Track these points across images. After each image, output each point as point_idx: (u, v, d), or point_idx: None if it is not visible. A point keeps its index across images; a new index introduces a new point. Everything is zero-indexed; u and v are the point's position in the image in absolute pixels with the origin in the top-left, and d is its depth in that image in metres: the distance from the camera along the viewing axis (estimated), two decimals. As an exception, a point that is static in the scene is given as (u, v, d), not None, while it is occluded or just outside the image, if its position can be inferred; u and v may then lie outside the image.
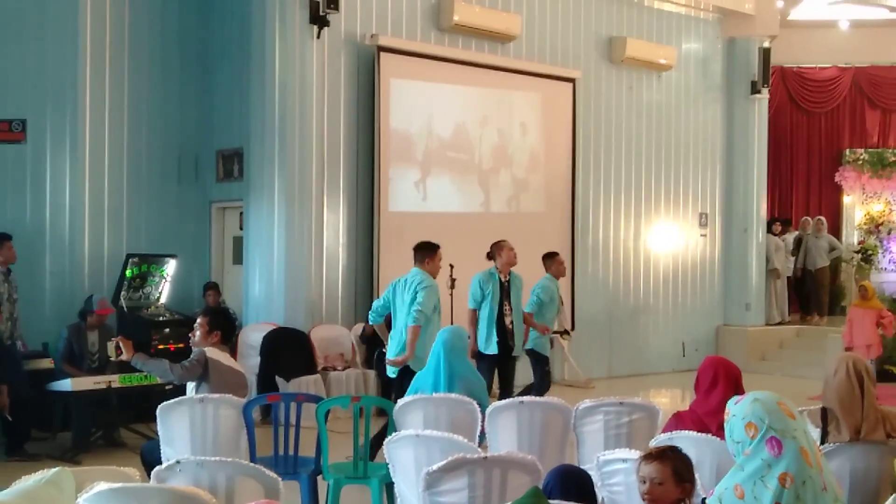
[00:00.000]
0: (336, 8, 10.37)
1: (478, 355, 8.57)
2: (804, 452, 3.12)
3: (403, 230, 11.24)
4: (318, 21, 10.37)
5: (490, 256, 8.92)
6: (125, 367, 7.34)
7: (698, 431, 4.49)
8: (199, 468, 3.80)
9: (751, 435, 3.16)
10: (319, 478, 5.76)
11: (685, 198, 14.67)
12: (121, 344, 5.88)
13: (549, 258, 9.65)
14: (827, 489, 3.15)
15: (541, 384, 9.12)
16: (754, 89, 14.88)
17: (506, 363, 8.80)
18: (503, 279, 8.82)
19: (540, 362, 9.25)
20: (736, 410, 3.24)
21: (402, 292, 7.73)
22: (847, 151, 17.42)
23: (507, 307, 8.74)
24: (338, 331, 10.67)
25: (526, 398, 5.73)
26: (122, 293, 9.86)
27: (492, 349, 8.64)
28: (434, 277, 7.84)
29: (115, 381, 8.05)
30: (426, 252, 7.87)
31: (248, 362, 9.58)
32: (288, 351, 9.91)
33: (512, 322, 8.76)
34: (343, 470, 5.68)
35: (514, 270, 8.93)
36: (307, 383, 9.71)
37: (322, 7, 10.29)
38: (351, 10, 10.90)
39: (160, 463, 4.26)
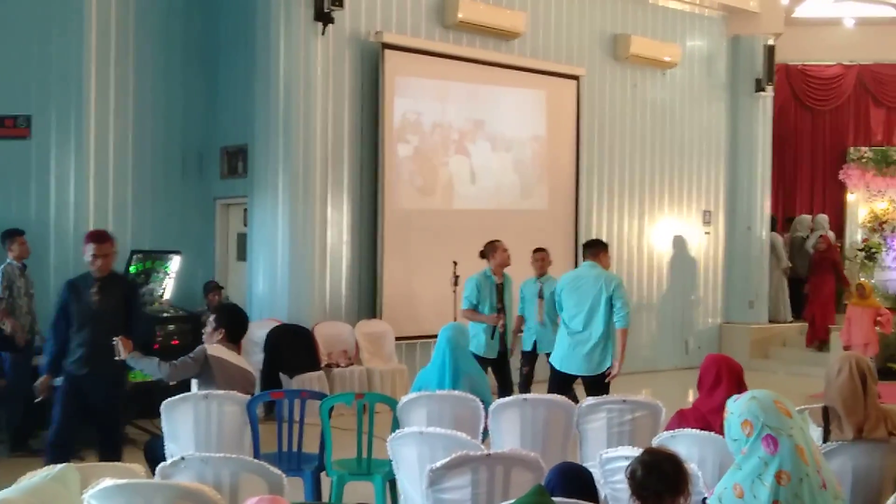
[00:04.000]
0: (341, 5, 10.38)
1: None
2: (800, 450, 3.14)
3: (407, 227, 11.27)
4: (323, 18, 10.38)
5: (483, 255, 8.90)
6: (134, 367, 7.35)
7: (701, 429, 4.50)
8: (203, 464, 3.82)
9: (747, 433, 3.18)
10: (323, 474, 5.79)
11: (689, 195, 14.66)
12: (120, 343, 5.90)
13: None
14: (826, 487, 3.17)
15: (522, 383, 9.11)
16: (759, 87, 14.87)
17: (501, 365, 8.81)
18: (497, 281, 8.82)
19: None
20: (733, 408, 3.26)
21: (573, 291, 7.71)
22: (851, 149, 17.38)
23: (501, 310, 8.75)
24: (341, 327, 10.68)
25: (529, 395, 5.75)
26: (127, 289, 9.86)
27: (489, 352, 8.65)
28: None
29: (120, 377, 8.04)
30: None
31: (252, 359, 9.58)
32: (292, 348, 9.94)
33: (504, 325, 8.76)
34: (347, 466, 5.71)
35: (506, 271, 8.96)
36: (311, 380, 9.73)
37: (327, 4, 10.29)
38: (355, 7, 10.90)
39: (164, 459, 4.29)
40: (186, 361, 5.72)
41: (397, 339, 10.92)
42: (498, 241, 9.00)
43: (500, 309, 8.78)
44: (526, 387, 9.07)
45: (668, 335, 14.34)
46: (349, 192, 10.89)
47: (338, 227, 10.79)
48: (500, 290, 8.83)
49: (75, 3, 10.27)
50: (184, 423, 5.34)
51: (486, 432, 5.54)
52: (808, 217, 16.26)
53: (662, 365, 13.90)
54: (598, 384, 7.57)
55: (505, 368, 8.85)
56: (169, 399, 5.41)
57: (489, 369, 8.57)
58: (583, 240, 12.95)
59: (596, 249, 8.02)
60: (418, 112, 11.45)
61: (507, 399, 5.58)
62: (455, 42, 11.84)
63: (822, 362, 12.04)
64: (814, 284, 14.41)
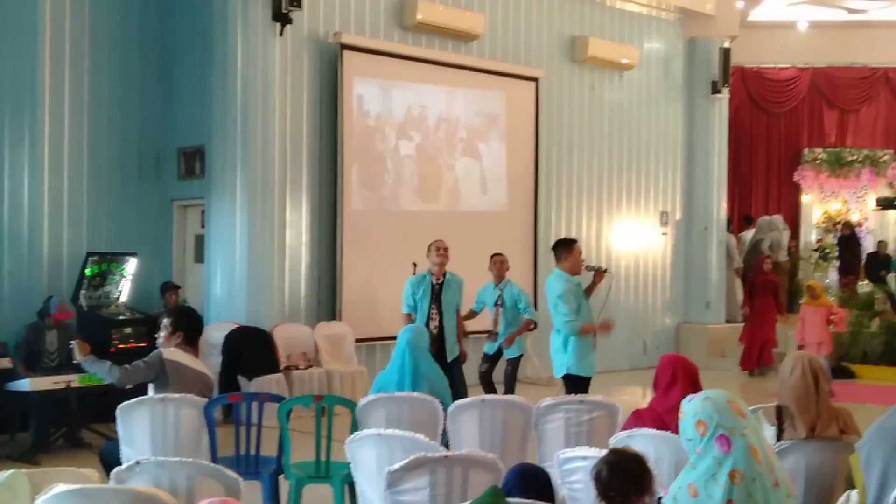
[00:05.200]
0: (299, 5, 10.34)
1: None
2: (753, 450, 3.18)
3: (367, 228, 11.25)
4: (281, 18, 10.33)
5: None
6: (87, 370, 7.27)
7: (657, 429, 4.54)
8: (158, 468, 3.79)
9: (701, 433, 3.22)
10: (281, 477, 5.76)
11: (646, 196, 14.79)
12: (76, 345, 5.83)
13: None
14: (779, 486, 3.21)
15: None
16: (715, 89, 15.04)
17: (445, 368, 8.63)
18: (435, 281, 8.66)
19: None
20: (688, 409, 3.30)
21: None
22: (805, 151, 17.67)
23: (434, 311, 8.58)
24: (301, 329, 10.64)
25: (487, 396, 5.76)
26: (82, 292, 9.75)
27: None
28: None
29: (75, 380, 7.97)
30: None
31: (210, 361, 9.51)
32: (250, 350, 9.87)
33: (438, 326, 8.55)
34: (305, 469, 5.68)
35: (452, 271, 8.79)
36: (270, 382, 9.67)
37: (284, 5, 10.25)
38: (314, 8, 10.87)
39: (120, 464, 4.24)
40: (139, 366, 5.66)
41: (357, 340, 10.90)
42: (437, 240, 8.78)
43: (434, 312, 8.59)
44: (491, 386, 9.08)
45: (626, 335, 14.43)
46: (308, 193, 10.85)
47: (297, 228, 10.75)
48: (439, 290, 8.64)
49: (29, 3, 10.11)
50: (140, 426, 5.28)
51: (445, 434, 5.55)
52: (768, 218, 16.48)
53: (621, 365, 13.99)
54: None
55: (454, 372, 8.54)
56: (125, 402, 5.36)
57: None
58: (542, 241, 13.11)
59: (556, 252, 8.00)
60: (377, 113, 11.44)
61: (465, 400, 5.60)
62: (414, 43, 11.84)
63: (777, 361, 12.19)
64: (757, 308, 13.65)
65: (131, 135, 11.12)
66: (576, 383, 7.58)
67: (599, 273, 8.13)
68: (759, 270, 13.87)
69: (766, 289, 13.64)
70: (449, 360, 8.54)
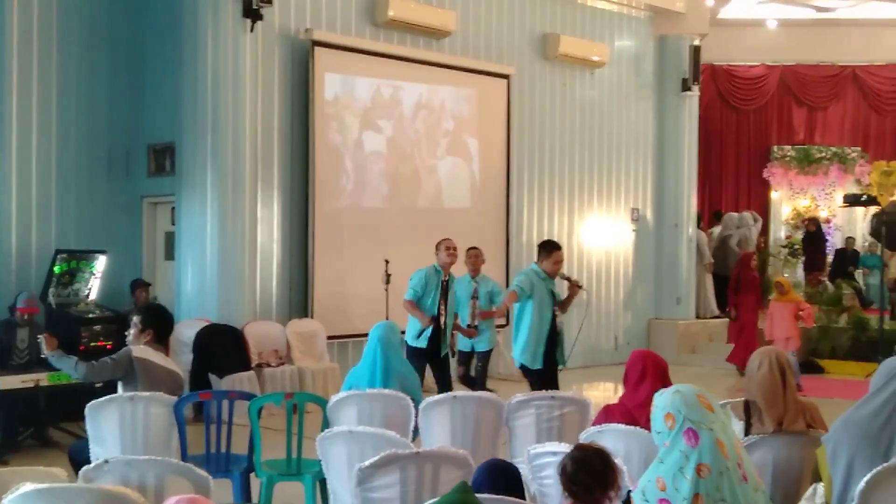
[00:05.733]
0: (269, 2, 10.30)
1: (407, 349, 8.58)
2: (720, 444, 3.21)
3: (339, 226, 11.23)
4: (252, 15, 10.28)
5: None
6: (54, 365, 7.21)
7: (627, 424, 4.57)
8: (127, 467, 3.77)
9: (669, 426, 3.25)
10: (253, 475, 5.74)
11: (617, 193, 14.86)
12: (43, 339, 5.79)
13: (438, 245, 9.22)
14: (747, 480, 3.24)
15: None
16: (685, 86, 15.13)
17: (438, 362, 8.81)
18: (444, 277, 8.83)
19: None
20: (658, 402, 3.33)
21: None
22: (775, 148, 17.83)
23: (442, 306, 8.74)
24: (272, 327, 10.61)
25: (459, 393, 5.78)
26: (51, 290, 9.67)
27: (421, 343, 8.67)
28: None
29: (44, 379, 7.89)
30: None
31: (181, 359, 9.47)
32: (221, 348, 9.83)
33: (444, 322, 8.76)
34: (276, 467, 5.67)
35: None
36: (241, 380, 9.64)
37: (255, 1, 10.21)
38: (285, 4, 10.83)
39: (89, 462, 4.21)
40: (106, 363, 5.63)
41: (329, 337, 10.88)
42: (446, 239, 8.96)
43: (442, 307, 8.75)
44: (473, 384, 9.13)
45: (598, 331, 14.51)
46: (280, 190, 10.82)
47: (268, 225, 10.71)
48: (446, 287, 8.81)
49: (-5, -2, 10.02)
50: (109, 425, 5.25)
51: (416, 430, 5.55)
52: (737, 215, 16.61)
53: (592, 361, 14.06)
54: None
55: (443, 364, 8.83)
56: (94, 401, 5.32)
57: (427, 366, 8.64)
58: (513, 238, 13.17)
59: (538, 250, 8.18)
60: (348, 110, 11.41)
61: (437, 397, 5.60)
62: (386, 40, 11.83)
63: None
64: (745, 305, 13.41)
65: (101, 131, 11.03)
66: (530, 375, 7.75)
67: (573, 286, 8.25)
68: (746, 267, 13.70)
69: (752, 286, 13.54)
70: (442, 354, 8.79)
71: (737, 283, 13.54)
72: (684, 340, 14.93)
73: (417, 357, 8.51)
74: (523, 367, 7.99)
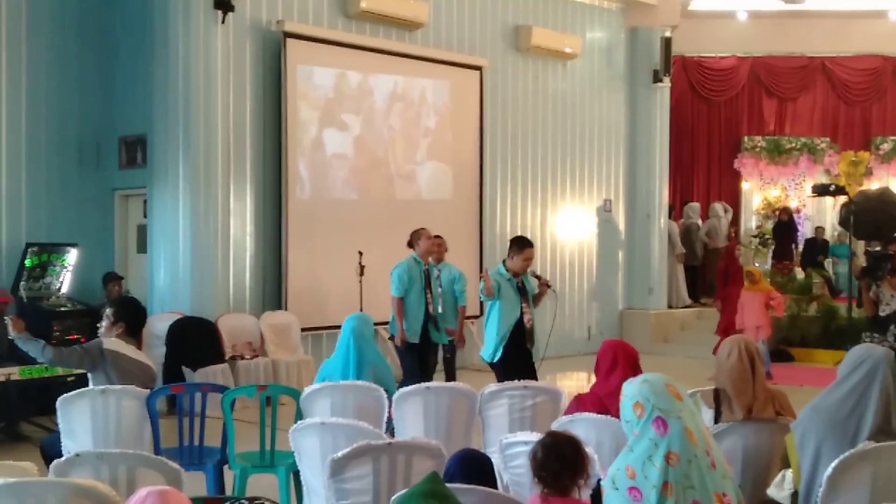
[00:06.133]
0: (241, -7, 10.26)
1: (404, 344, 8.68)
2: (689, 432, 3.24)
3: (312, 218, 11.21)
4: (223, 6, 10.23)
5: (410, 244, 8.97)
6: (26, 360, 7.17)
7: (598, 413, 4.61)
8: (99, 461, 3.76)
9: (638, 414, 3.28)
10: (226, 467, 5.74)
11: (590, 184, 14.93)
12: (10, 321, 5.74)
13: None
14: (715, 467, 3.28)
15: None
16: (656, 78, 15.19)
17: (427, 352, 8.89)
18: (425, 268, 8.89)
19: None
20: (627, 391, 3.36)
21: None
22: (745, 139, 17.95)
23: (429, 296, 8.83)
24: (246, 319, 10.59)
25: (432, 384, 5.80)
26: (22, 283, 9.61)
27: (413, 338, 8.72)
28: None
29: (15, 373, 7.84)
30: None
31: (154, 352, 9.44)
32: (194, 340, 9.80)
33: (433, 311, 8.86)
34: (249, 459, 5.67)
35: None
36: (214, 373, 9.62)
37: (226, -8, 10.17)
38: (256, -4, 10.79)
39: (61, 456, 4.20)
40: (75, 350, 5.60)
41: (303, 329, 10.88)
42: (422, 228, 9.05)
43: (428, 297, 8.85)
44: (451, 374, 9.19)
45: (572, 322, 14.58)
46: (252, 182, 10.78)
47: (241, 217, 10.68)
48: (428, 275, 8.89)
49: (-38, -13, 9.92)
50: (81, 419, 5.23)
51: (390, 421, 5.57)
52: (698, 204, 16.74)
53: (566, 351, 14.11)
54: None
55: (428, 356, 8.94)
56: (65, 395, 5.30)
57: (414, 356, 8.74)
58: (487, 229, 13.19)
59: (510, 247, 8.23)
60: (321, 102, 11.39)
61: (409, 388, 5.62)
62: (358, 31, 11.80)
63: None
64: (732, 296, 12.65)
65: (71, 123, 10.95)
66: (496, 369, 7.83)
67: (542, 284, 8.31)
68: (732, 258, 13.46)
69: (739, 277, 12.99)
70: (439, 341, 9.01)
71: (725, 276, 13.25)
72: (656, 330, 15.04)
73: (410, 352, 8.63)
74: (491, 364, 8.08)
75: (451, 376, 9.26)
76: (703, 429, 3.36)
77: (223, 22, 10.34)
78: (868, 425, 3.93)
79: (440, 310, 9.00)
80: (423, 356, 8.90)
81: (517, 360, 8.07)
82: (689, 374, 11.88)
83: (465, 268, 10.41)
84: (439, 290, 9.08)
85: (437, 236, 9.48)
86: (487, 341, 8.06)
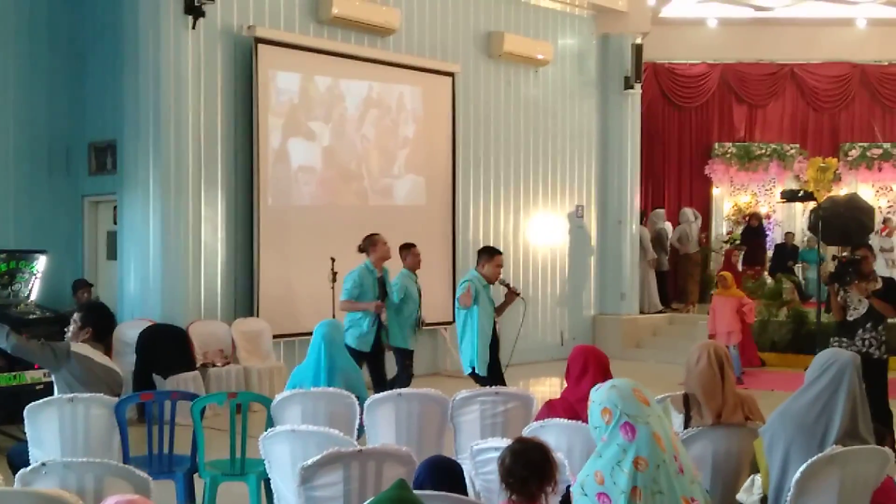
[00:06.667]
0: (212, -1, 10.22)
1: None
2: (657, 437, 3.26)
3: (284, 224, 11.17)
4: (193, 12, 10.18)
5: (362, 250, 8.92)
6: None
7: (569, 418, 4.62)
8: (65, 470, 3.72)
9: (606, 420, 3.29)
10: (196, 476, 5.70)
11: (562, 190, 14.98)
12: None
13: (405, 249, 9.34)
14: (683, 472, 3.30)
15: (401, 377, 8.99)
16: (627, 84, 15.28)
17: (377, 358, 8.83)
18: (378, 274, 8.84)
19: (402, 355, 9.07)
20: (595, 397, 3.37)
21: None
22: (716, 145, 18.08)
23: (382, 304, 8.75)
24: (217, 326, 10.52)
25: (404, 390, 5.79)
26: (-10, 290, 9.52)
27: (363, 345, 8.66)
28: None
29: (-18, 382, 7.76)
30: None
31: (124, 360, 9.36)
32: (165, 348, 9.72)
33: (384, 318, 8.77)
34: (220, 467, 5.64)
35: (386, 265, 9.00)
36: (186, 380, 9.54)
37: (197, -3, 10.12)
38: (227, 1, 10.73)
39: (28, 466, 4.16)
40: (41, 343, 5.53)
41: (275, 336, 10.83)
42: (377, 234, 9.00)
43: (383, 301, 8.79)
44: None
45: (545, 327, 14.62)
46: (224, 188, 10.73)
47: (212, 224, 10.62)
48: (382, 283, 8.84)
49: (-71, -9, 9.81)
50: (49, 428, 5.17)
51: (361, 428, 5.55)
52: (663, 210, 16.83)
53: (539, 356, 14.15)
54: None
55: (380, 363, 8.84)
56: (33, 403, 5.24)
57: (363, 365, 8.58)
58: (460, 235, 13.21)
59: (479, 256, 8.32)
60: (292, 107, 11.35)
61: (381, 394, 5.60)
62: (330, 37, 11.79)
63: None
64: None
65: (40, 129, 10.86)
66: (481, 381, 7.87)
67: (511, 293, 8.38)
68: (729, 264, 13.42)
69: (738, 283, 13.18)
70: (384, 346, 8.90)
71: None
72: (628, 335, 15.10)
73: (358, 359, 8.53)
74: (476, 375, 8.09)
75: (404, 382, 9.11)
76: (670, 434, 3.38)
77: (194, 27, 10.29)
78: (835, 429, 3.96)
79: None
80: (376, 366, 8.84)
81: (495, 367, 8.15)
82: (661, 379, 11.93)
83: (438, 274, 10.45)
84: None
85: (410, 245, 9.41)
86: (469, 352, 8.07)
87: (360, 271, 8.78)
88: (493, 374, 8.09)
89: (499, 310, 8.43)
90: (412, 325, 8.97)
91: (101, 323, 5.77)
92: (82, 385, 5.37)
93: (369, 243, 8.88)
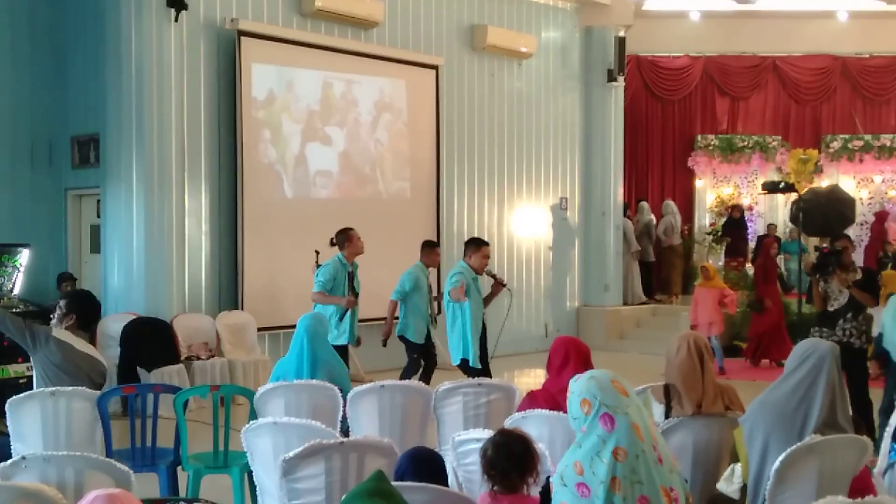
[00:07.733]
0: (194, -9, 10.19)
1: None
2: (636, 428, 3.28)
3: (268, 217, 11.16)
4: (176, 4, 10.15)
5: (334, 243, 8.91)
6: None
7: (551, 409, 4.65)
8: (46, 464, 3.72)
9: (585, 411, 3.31)
10: (179, 469, 5.70)
11: (546, 183, 15.01)
12: None
13: (428, 247, 9.41)
14: (662, 462, 3.32)
15: (408, 369, 9.03)
16: (610, 77, 15.30)
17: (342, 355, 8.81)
18: (350, 268, 8.83)
19: (410, 348, 9.09)
20: (574, 388, 3.38)
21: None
22: (699, 137, 18.12)
23: (352, 297, 8.72)
24: (201, 319, 10.51)
25: (386, 382, 5.81)
26: (-28, 285, 9.48)
27: (343, 339, 8.66)
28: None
29: (-35, 375, 7.74)
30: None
31: (108, 353, 9.34)
32: (149, 341, 9.72)
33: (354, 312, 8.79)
34: (203, 460, 5.64)
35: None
36: (170, 373, 9.54)
37: (179, -10, 10.09)
38: (210, -6, 10.71)
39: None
40: (22, 320, 5.46)
41: (260, 329, 10.83)
42: (351, 229, 8.98)
43: (355, 295, 8.78)
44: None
45: (529, 319, 14.65)
46: (207, 181, 10.70)
47: (196, 217, 10.60)
48: (352, 277, 8.81)
49: None
50: (30, 421, 5.16)
51: (345, 420, 5.56)
52: (646, 204, 16.87)
53: (523, 348, 14.17)
54: None
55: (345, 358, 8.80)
56: (15, 397, 5.22)
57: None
58: (444, 228, 13.21)
59: (465, 248, 8.36)
60: (276, 101, 11.33)
61: (364, 386, 5.61)
62: (313, 30, 11.76)
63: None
64: (771, 295, 12.61)
65: (22, 122, 10.82)
66: (470, 372, 7.90)
67: (497, 283, 8.42)
68: (768, 255, 12.94)
69: (774, 274, 12.92)
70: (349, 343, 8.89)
71: (763, 273, 12.90)
72: (612, 327, 15.16)
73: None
74: (466, 366, 8.12)
75: None
76: (649, 424, 3.40)
77: (176, 20, 10.26)
78: (814, 419, 3.99)
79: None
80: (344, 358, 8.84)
81: (482, 358, 8.22)
82: (645, 370, 11.99)
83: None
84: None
85: (434, 244, 9.52)
86: (458, 345, 8.11)
87: (334, 264, 8.77)
88: (487, 367, 8.16)
89: (485, 301, 8.49)
90: (426, 317, 8.94)
91: (86, 310, 5.68)
92: (61, 372, 5.31)
93: (344, 238, 8.87)
